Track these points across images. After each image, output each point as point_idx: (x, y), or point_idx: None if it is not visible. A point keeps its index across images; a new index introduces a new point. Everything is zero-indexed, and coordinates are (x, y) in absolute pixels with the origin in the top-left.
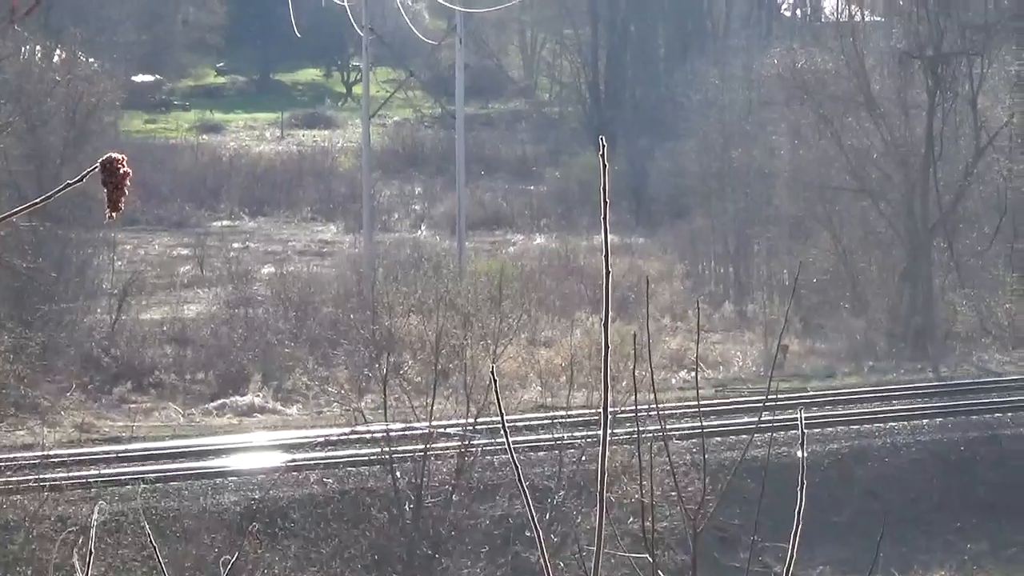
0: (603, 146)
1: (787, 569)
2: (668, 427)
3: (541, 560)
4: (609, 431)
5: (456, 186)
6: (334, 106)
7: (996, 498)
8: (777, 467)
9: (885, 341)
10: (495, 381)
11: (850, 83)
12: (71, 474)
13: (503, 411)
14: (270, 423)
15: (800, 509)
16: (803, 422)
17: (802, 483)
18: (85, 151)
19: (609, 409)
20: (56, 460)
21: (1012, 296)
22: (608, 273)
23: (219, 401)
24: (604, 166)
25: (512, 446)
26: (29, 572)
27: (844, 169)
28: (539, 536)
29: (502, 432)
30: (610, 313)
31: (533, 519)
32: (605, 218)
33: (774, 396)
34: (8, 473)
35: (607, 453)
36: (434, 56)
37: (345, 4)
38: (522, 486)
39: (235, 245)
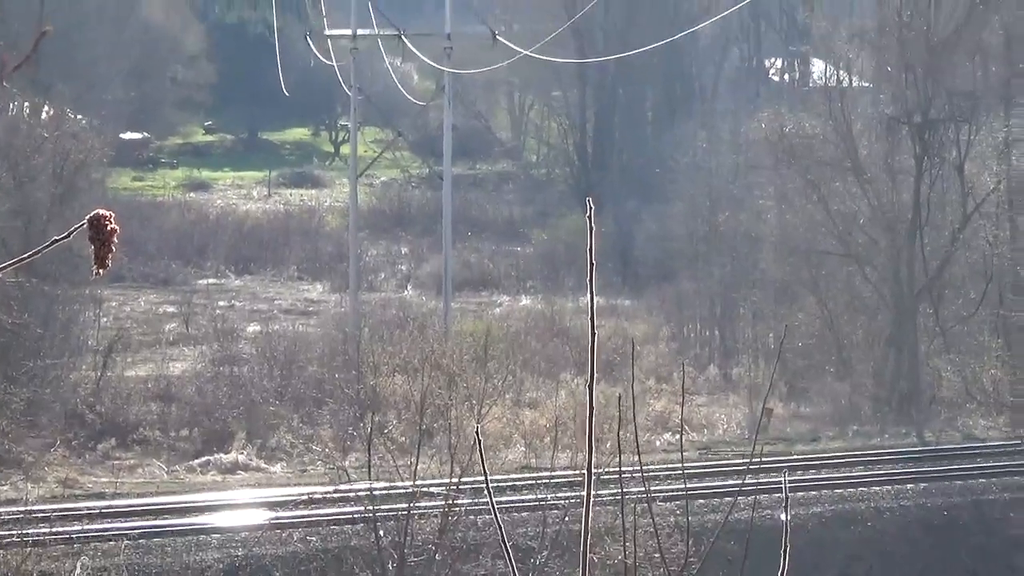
0: (590, 207)
1: None
2: (652, 489)
3: None
4: (593, 492)
5: (443, 246)
6: (321, 165)
7: (979, 563)
8: (761, 530)
9: (870, 405)
10: (479, 441)
11: (837, 148)
12: (54, 529)
13: (487, 471)
14: (254, 481)
15: (783, 572)
16: (787, 485)
17: (785, 546)
18: (72, 207)
19: (593, 470)
20: (39, 515)
21: (997, 362)
22: (594, 334)
23: (203, 458)
24: (591, 227)
25: (496, 506)
26: None
27: (831, 234)
28: None
29: (486, 492)
30: (595, 374)
31: None
32: (591, 280)
33: (759, 459)
34: None
35: (591, 514)
36: (422, 117)
37: (334, 64)
38: (505, 546)
39: (221, 303)
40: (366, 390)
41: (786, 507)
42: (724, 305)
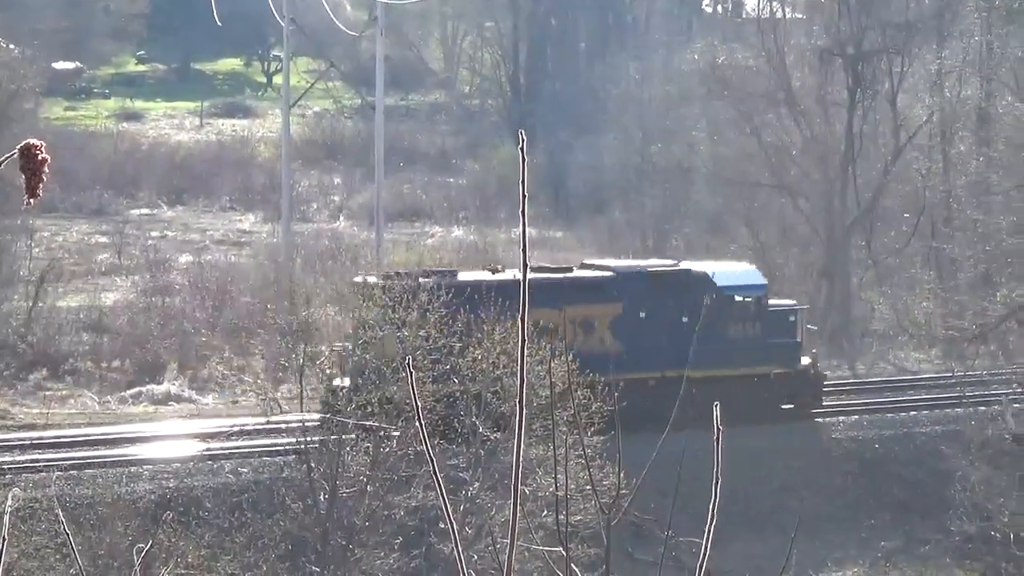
0: (523, 139)
1: (700, 564)
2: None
3: (455, 552)
4: (525, 425)
5: (375, 177)
6: (254, 96)
7: (910, 496)
8: (694, 461)
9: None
10: (410, 372)
11: (770, 80)
12: None
13: (417, 402)
14: (186, 412)
15: (715, 504)
16: (718, 418)
17: (716, 478)
18: (4, 137)
19: (525, 403)
20: None
21: (929, 294)
22: (525, 266)
23: (135, 389)
24: (523, 159)
25: (427, 438)
26: None
27: (763, 166)
28: (453, 528)
29: (416, 423)
30: (527, 306)
31: (446, 511)
32: (523, 211)
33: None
34: None
35: (522, 445)
36: (355, 47)
37: None
38: (436, 477)
39: (153, 234)
40: (298, 321)
41: (717, 439)
42: (656, 237)
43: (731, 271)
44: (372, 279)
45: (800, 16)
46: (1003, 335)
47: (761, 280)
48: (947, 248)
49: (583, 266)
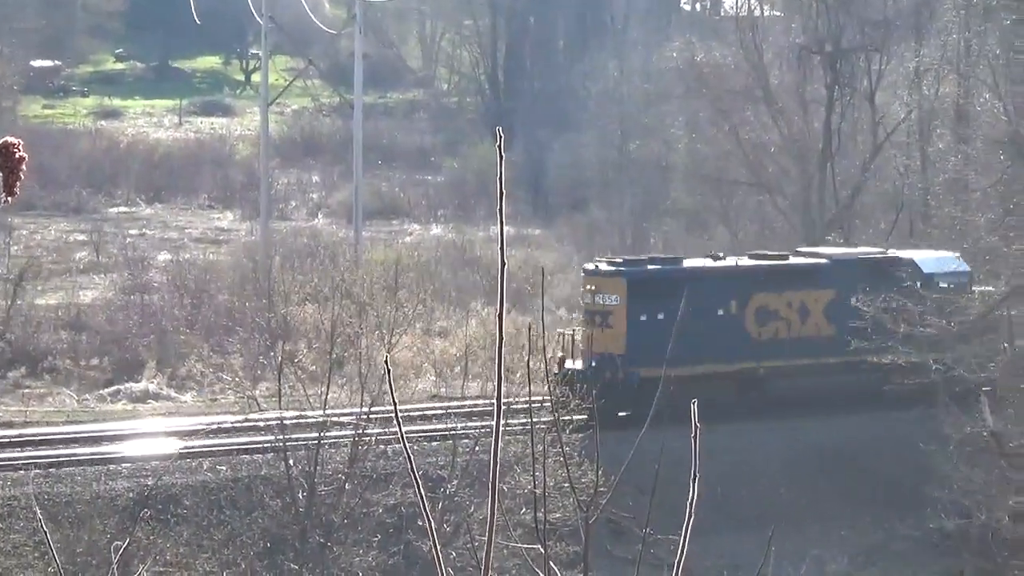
0: (500, 137)
1: (678, 561)
2: (562, 418)
3: (433, 550)
4: (502, 422)
5: (353, 175)
6: (232, 94)
7: (889, 492)
8: (673, 459)
9: None
10: (389, 371)
11: (748, 77)
12: None
13: (396, 400)
14: (164, 409)
15: (692, 501)
16: (695, 414)
17: (695, 475)
18: None
19: (503, 400)
20: None
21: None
22: (503, 264)
23: (113, 387)
24: (501, 157)
25: (405, 435)
26: None
27: (741, 163)
28: (431, 525)
29: (395, 422)
30: (505, 304)
31: (425, 508)
32: (501, 209)
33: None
34: None
35: (500, 443)
36: (333, 45)
37: None
38: (414, 475)
39: (132, 232)
40: (277, 319)
41: (694, 436)
42: (635, 234)
43: (934, 258)
44: (604, 266)
45: (778, 14)
46: (981, 332)
47: (964, 267)
48: (924, 245)
49: (796, 253)
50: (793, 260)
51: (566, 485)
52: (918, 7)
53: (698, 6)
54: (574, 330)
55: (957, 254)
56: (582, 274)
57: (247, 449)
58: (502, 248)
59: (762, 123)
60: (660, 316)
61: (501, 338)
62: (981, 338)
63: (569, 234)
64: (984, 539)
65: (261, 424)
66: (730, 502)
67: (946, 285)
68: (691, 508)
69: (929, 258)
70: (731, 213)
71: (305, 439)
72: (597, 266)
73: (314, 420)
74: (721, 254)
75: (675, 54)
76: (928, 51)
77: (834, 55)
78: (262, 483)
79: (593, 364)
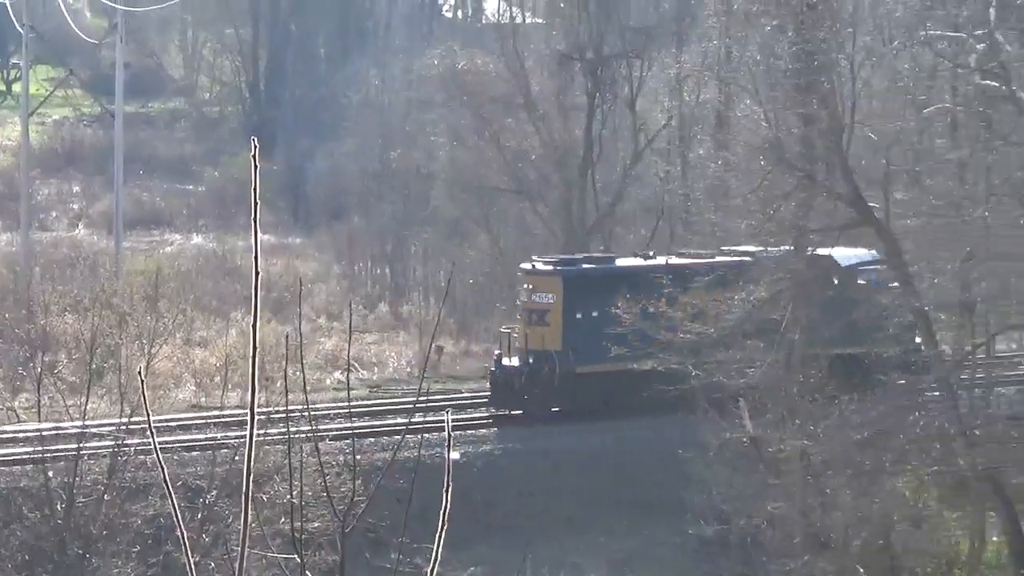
0: (255, 146)
1: (431, 569)
2: (320, 428)
3: (186, 561)
4: (261, 431)
5: (114, 185)
6: None
7: (648, 497)
8: (429, 468)
9: None
10: (143, 382)
11: (509, 84)
12: None
13: (150, 412)
14: None
15: (446, 510)
16: (450, 424)
17: (448, 484)
18: None
19: (261, 409)
20: None
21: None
22: (257, 274)
23: None
24: (255, 166)
25: (163, 446)
26: None
27: (502, 170)
28: (183, 536)
29: (149, 433)
30: (263, 314)
31: (178, 519)
32: (256, 218)
33: (425, 397)
34: None
35: (254, 453)
36: (95, 55)
37: (5, 1)
38: (168, 486)
39: None
40: (36, 329)
41: (448, 445)
42: (395, 243)
43: (853, 254)
44: (540, 266)
45: (540, 21)
46: (739, 339)
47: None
48: (683, 252)
49: (722, 251)
50: (720, 258)
51: (324, 495)
52: (680, 14)
53: (460, 13)
54: (511, 328)
55: (873, 251)
56: (518, 273)
57: (5, 461)
58: (256, 258)
59: (523, 130)
60: (595, 314)
61: (255, 347)
62: (744, 344)
63: (330, 243)
64: (743, 544)
65: (20, 436)
66: (490, 509)
67: (864, 282)
68: (444, 517)
69: (847, 254)
70: (492, 220)
71: (64, 450)
72: (534, 265)
73: (73, 431)
74: (651, 252)
75: (436, 61)
76: (689, 57)
77: (595, 62)
78: (20, 495)
79: (530, 361)
